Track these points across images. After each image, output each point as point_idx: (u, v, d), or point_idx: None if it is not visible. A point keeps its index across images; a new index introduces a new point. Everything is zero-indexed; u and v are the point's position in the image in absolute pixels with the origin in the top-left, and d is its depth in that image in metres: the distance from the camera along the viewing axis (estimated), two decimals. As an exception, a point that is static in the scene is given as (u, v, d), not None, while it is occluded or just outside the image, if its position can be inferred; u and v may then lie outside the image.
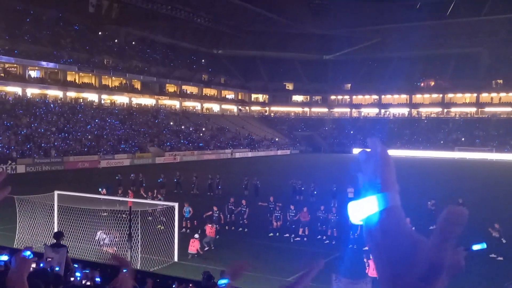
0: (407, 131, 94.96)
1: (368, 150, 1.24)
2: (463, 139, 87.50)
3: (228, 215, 23.27)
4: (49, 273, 6.31)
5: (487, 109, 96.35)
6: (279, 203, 23.15)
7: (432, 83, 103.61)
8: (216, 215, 22.04)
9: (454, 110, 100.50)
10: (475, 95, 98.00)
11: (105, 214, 20.73)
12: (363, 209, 1.18)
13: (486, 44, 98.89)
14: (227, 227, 22.82)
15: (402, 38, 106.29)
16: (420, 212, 25.66)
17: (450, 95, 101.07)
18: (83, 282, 9.42)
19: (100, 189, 25.82)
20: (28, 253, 2.87)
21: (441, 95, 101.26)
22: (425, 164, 66.24)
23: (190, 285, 7.52)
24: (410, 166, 63.23)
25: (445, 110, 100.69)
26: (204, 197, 31.53)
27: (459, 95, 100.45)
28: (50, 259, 9.22)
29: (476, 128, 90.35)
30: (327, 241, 20.73)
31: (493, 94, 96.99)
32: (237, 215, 23.44)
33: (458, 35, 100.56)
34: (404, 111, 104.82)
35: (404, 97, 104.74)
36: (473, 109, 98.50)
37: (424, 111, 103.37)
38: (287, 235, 21.56)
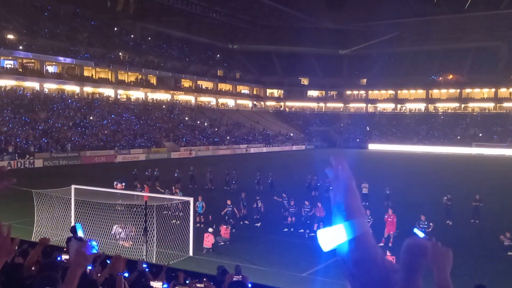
0: (423, 127, 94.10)
1: (334, 169, 1.23)
2: (480, 134, 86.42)
3: (242, 209, 23.39)
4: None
5: (505, 104, 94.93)
6: (292, 199, 23.11)
7: (450, 78, 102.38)
8: (230, 209, 22.15)
9: (471, 105, 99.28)
10: (493, 90, 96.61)
11: (122, 208, 20.93)
12: (332, 238, 1.16)
13: (505, 38, 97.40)
14: (241, 222, 22.88)
15: (420, 33, 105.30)
16: (436, 207, 25.49)
17: (468, 90, 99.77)
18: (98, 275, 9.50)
19: (114, 183, 26.04)
20: (94, 243, 2.60)
21: (458, 90, 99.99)
22: (442, 160, 65.60)
23: (204, 279, 7.55)
24: (426, 162, 62.72)
25: (463, 105, 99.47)
26: (219, 192, 31.61)
27: (477, 90, 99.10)
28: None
29: (494, 124, 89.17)
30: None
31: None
32: (249, 210, 23.50)
33: (476, 29, 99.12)
34: (421, 106, 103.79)
35: (421, 92, 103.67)
36: (491, 104, 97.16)
37: (441, 106, 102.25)
38: (302, 230, 21.53)
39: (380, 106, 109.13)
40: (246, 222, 23.16)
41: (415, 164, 58.76)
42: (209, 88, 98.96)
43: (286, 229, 21.99)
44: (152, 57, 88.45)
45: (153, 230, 16.67)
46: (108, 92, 78.43)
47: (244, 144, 78.60)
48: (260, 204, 23.37)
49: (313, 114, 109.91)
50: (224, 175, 35.88)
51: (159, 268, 9.52)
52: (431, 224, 18.94)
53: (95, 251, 2.54)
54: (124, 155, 57.75)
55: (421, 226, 18.90)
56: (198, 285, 7.06)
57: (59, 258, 8.32)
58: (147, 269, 8.33)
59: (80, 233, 9.48)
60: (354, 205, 1.18)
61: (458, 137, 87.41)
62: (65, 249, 10.32)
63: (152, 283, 7.20)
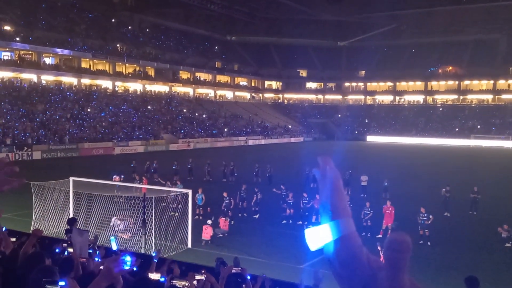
0: (422, 119, 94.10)
1: (321, 169, 1.25)
2: (479, 126, 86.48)
3: (240, 202, 23.40)
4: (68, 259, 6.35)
5: (504, 96, 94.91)
6: (290, 191, 23.17)
7: (448, 70, 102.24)
8: (227, 201, 22.17)
9: (470, 97, 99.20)
10: (491, 82, 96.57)
11: (120, 200, 20.92)
12: (319, 237, 1.18)
13: (503, 30, 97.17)
14: (240, 214, 22.91)
15: (419, 24, 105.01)
16: (434, 199, 25.53)
17: (466, 82, 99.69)
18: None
19: (114, 176, 26.02)
20: (128, 259, 2.33)
21: (457, 82, 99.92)
22: (440, 152, 65.68)
23: (203, 271, 7.54)
24: (425, 154, 62.80)
25: (461, 97, 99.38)
26: (217, 184, 31.62)
27: (475, 82, 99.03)
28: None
29: (493, 116, 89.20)
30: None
31: (510, 81, 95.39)
32: (249, 202, 23.55)
33: (475, 21, 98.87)
34: (419, 98, 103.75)
35: (419, 84, 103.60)
36: (489, 96, 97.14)
37: (439, 98, 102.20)
38: (300, 222, 21.57)
39: (379, 98, 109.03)
40: (245, 214, 23.20)
41: (413, 156, 58.81)
42: (207, 80, 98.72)
43: (284, 221, 22.04)
44: (150, 49, 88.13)
45: (152, 222, 16.67)
46: (106, 84, 78.20)
47: (243, 136, 78.56)
48: (259, 196, 23.40)
49: (311, 106, 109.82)
50: (221, 167, 35.88)
51: (161, 261, 9.51)
52: (430, 216, 18.96)
53: (128, 267, 2.28)
54: (122, 147, 57.67)
55: (421, 218, 18.91)
56: (198, 277, 7.04)
57: (57, 250, 8.32)
58: (155, 260, 8.32)
59: (114, 246, 9.38)
60: (340, 205, 1.19)
61: (457, 129, 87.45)
62: (69, 242, 10.30)
63: (151, 275, 7.18)
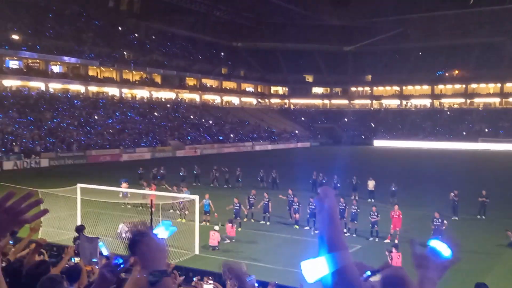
0: (429, 123, 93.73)
1: (320, 199, 1.24)
2: (486, 130, 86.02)
3: (249, 207, 23.37)
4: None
5: (511, 100, 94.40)
6: (296, 196, 23.14)
7: (455, 74, 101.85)
8: (237, 207, 22.13)
9: (477, 100, 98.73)
10: (499, 85, 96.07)
11: (128, 206, 20.99)
12: (316, 270, 1.18)
13: (510, 33, 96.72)
14: (245, 219, 22.89)
15: (425, 28, 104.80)
16: (443, 203, 25.38)
17: (474, 86, 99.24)
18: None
19: (122, 182, 26.10)
20: (121, 261, 2.40)
21: (464, 86, 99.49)
22: (448, 156, 65.35)
23: (211, 277, 7.55)
24: (432, 158, 62.50)
25: (468, 101, 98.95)
26: (223, 190, 31.64)
27: (482, 85, 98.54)
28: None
29: (500, 119, 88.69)
30: (348, 234, 20.61)
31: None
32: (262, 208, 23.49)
33: (482, 24, 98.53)
34: (426, 102, 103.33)
35: (426, 88, 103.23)
36: (497, 100, 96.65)
37: (446, 102, 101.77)
38: (308, 228, 21.52)
39: (385, 103, 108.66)
40: (252, 220, 23.17)
41: (421, 161, 58.55)
42: (213, 86, 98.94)
43: (296, 226, 21.94)
44: (157, 56, 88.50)
45: (159, 228, 16.65)
46: (113, 91, 78.58)
47: (249, 142, 78.57)
48: (269, 202, 23.37)
49: (318, 111, 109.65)
50: (225, 173, 35.77)
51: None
52: (445, 221, 18.76)
53: (122, 266, 2.31)
54: (130, 154, 57.85)
55: (434, 223, 18.71)
56: (206, 286, 7.04)
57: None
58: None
59: (104, 251, 9.44)
60: (336, 238, 1.18)
61: (464, 133, 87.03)
62: (76, 251, 10.33)
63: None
